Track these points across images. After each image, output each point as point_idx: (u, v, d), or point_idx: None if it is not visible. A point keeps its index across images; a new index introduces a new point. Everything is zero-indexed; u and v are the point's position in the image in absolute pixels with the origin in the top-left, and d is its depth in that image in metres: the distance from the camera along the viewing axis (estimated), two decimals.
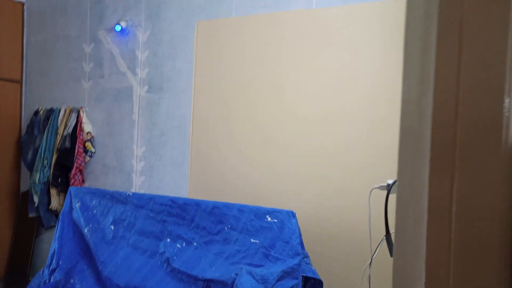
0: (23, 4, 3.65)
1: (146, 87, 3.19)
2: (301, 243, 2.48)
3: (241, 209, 2.61)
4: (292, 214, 2.50)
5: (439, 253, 0.53)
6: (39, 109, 3.57)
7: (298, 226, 2.51)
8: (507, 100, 0.49)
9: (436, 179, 0.52)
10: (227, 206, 2.64)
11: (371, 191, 1.43)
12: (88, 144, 3.38)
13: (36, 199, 3.44)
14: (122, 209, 2.87)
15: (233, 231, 2.60)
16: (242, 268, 2.34)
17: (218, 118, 2.90)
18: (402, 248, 0.61)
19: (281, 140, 2.72)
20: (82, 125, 3.38)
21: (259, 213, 2.57)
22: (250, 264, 2.45)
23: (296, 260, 2.38)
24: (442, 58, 0.52)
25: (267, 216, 2.56)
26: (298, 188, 2.67)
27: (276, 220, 2.53)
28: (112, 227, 2.86)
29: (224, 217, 2.63)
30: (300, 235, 2.49)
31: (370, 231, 1.36)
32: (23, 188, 3.73)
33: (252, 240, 2.53)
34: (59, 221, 2.88)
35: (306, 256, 2.49)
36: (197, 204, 2.70)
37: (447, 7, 0.51)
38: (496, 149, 0.50)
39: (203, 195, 2.92)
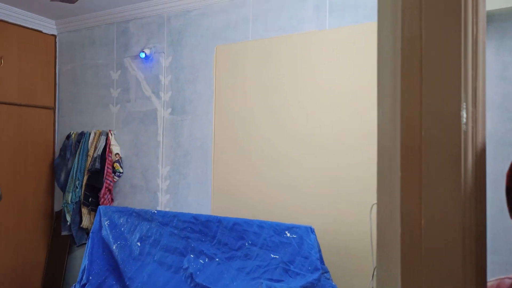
0: (55, 37, 3.93)
1: (170, 110, 3.36)
2: (321, 258, 2.52)
3: (261, 225, 2.69)
4: (310, 230, 2.56)
5: (412, 272, 0.61)
6: (71, 133, 3.80)
7: (317, 241, 2.55)
8: (463, 123, 0.57)
9: (406, 196, 0.60)
10: (248, 222, 2.72)
11: (371, 207, 1.48)
12: (116, 165, 3.56)
13: (68, 218, 3.62)
14: (148, 227, 3.00)
15: (253, 246, 2.68)
16: (262, 283, 2.41)
17: (237, 138, 3.02)
18: (383, 263, 0.68)
19: (297, 158, 2.80)
20: (110, 147, 3.56)
21: (279, 229, 2.64)
22: (270, 279, 2.51)
23: (315, 275, 2.43)
24: (406, 90, 0.61)
25: (287, 232, 2.62)
26: (316, 203, 2.73)
27: (295, 236, 2.59)
28: (139, 244, 2.99)
29: (245, 233, 2.71)
30: (320, 250, 2.54)
31: (371, 246, 1.41)
32: (57, 208, 3.93)
33: (272, 255, 2.59)
34: (89, 239, 3.03)
35: (326, 271, 2.53)
36: (219, 220, 2.79)
37: (409, 52, 0.61)
38: (455, 167, 0.58)
39: (225, 212, 3.02)
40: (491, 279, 0.80)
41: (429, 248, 0.59)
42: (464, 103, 0.58)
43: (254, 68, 2.97)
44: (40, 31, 3.79)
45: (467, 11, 0.56)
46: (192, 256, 2.82)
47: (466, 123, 0.57)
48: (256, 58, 2.96)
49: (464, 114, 0.58)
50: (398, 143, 0.62)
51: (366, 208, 2.52)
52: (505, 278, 0.77)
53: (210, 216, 2.86)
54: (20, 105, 3.61)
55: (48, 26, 3.84)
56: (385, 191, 0.70)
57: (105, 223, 3.08)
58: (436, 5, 0.60)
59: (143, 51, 3.41)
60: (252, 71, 2.97)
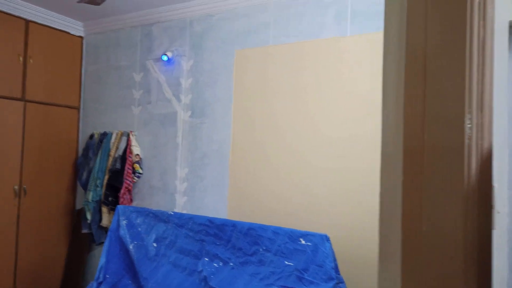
0: (82, 38, 4.04)
1: (189, 112, 3.39)
2: (336, 268, 2.47)
3: (276, 231, 2.66)
4: (325, 238, 2.51)
5: (414, 268, 0.58)
6: (94, 133, 3.89)
7: (332, 250, 2.50)
8: (468, 127, 0.54)
9: (407, 199, 0.58)
10: (262, 228, 2.70)
11: None
12: (136, 166, 3.61)
13: (89, 216, 3.69)
14: (164, 228, 3.03)
15: (268, 252, 2.65)
16: None
17: (255, 142, 3.01)
18: (385, 273, 0.65)
19: (314, 162, 2.76)
20: (131, 147, 3.62)
21: (293, 235, 2.61)
22: (284, 287, 2.48)
23: (330, 285, 2.38)
24: (410, 94, 0.59)
25: (301, 239, 2.58)
26: (332, 210, 2.69)
27: (310, 244, 2.55)
28: (155, 245, 3.01)
29: (259, 239, 2.69)
30: (335, 260, 2.49)
31: None
32: (78, 206, 4.02)
33: (286, 262, 2.56)
34: (107, 237, 3.08)
35: (341, 281, 2.47)
36: (233, 225, 2.78)
37: (413, 58, 0.58)
38: (458, 172, 0.55)
39: (241, 216, 3.01)
40: None
41: (430, 254, 0.56)
42: (469, 108, 0.55)
43: (273, 72, 2.96)
44: (68, 32, 3.91)
45: (473, 14, 0.53)
46: (206, 259, 2.83)
47: (471, 128, 0.54)
48: (276, 63, 2.95)
49: (468, 118, 0.55)
50: (400, 147, 0.60)
51: None
52: None
53: (225, 219, 2.86)
54: (46, 103, 3.72)
55: (75, 27, 3.95)
56: (387, 196, 0.68)
57: (123, 223, 3.12)
58: (441, 10, 0.57)
59: (165, 54, 3.46)
60: (272, 75, 2.97)
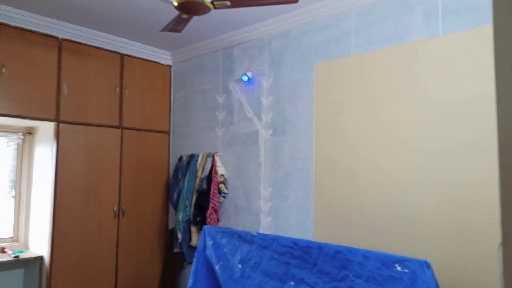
0: (170, 67, 4.30)
1: (271, 131, 3.34)
2: None
3: (366, 255, 2.43)
4: (426, 264, 2.21)
5: None
6: (182, 155, 4.05)
7: (435, 279, 2.19)
8: None
9: None
10: (351, 251, 2.49)
11: (498, 247, 1.16)
12: (221, 186, 3.66)
13: (179, 236, 3.82)
14: (248, 249, 2.97)
15: (358, 279, 2.42)
16: None
17: (341, 159, 2.83)
18: None
19: (408, 180, 2.49)
20: (216, 168, 3.69)
21: (387, 261, 2.35)
22: None
23: None
24: None
25: (396, 265, 2.31)
26: (431, 232, 2.37)
27: (407, 270, 2.27)
28: (240, 266, 2.97)
29: (348, 263, 2.47)
30: None
31: None
32: (170, 225, 4.20)
33: None
34: (195, 258, 3.13)
35: None
36: (319, 247, 2.61)
37: None
38: None
39: (328, 238, 2.83)
40: None
41: None
42: None
43: (356, 84, 2.78)
44: (158, 62, 4.18)
45: None
46: (292, 283, 2.69)
47: None
48: (358, 73, 2.77)
49: None
50: None
51: (494, 240, 2.09)
52: None
53: (310, 241, 2.70)
54: (140, 129, 3.99)
55: (164, 57, 4.22)
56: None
57: (209, 243, 3.15)
58: None
59: (245, 74, 3.49)
60: (355, 87, 2.78)
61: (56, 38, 3.42)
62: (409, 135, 2.50)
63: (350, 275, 2.44)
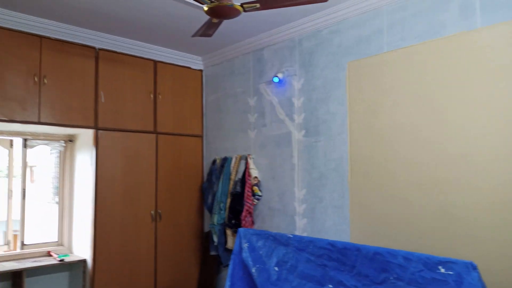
0: (202, 71, 4.35)
1: (303, 132, 3.31)
2: None
3: (407, 257, 2.35)
4: (471, 266, 2.11)
5: None
6: (216, 158, 4.09)
7: (482, 282, 2.09)
8: None
9: None
10: (390, 252, 2.42)
11: None
12: (255, 188, 3.66)
13: (215, 239, 3.85)
14: (284, 251, 2.95)
15: (399, 281, 2.35)
16: None
17: (378, 159, 2.76)
18: None
19: (450, 179, 2.40)
20: (249, 170, 3.69)
21: (430, 262, 2.26)
22: None
23: None
24: None
25: (440, 267, 2.23)
26: (476, 233, 2.27)
27: (451, 273, 2.18)
28: (276, 269, 2.95)
29: (388, 265, 2.41)
30: None
31: None
32: (206, 228, 4.24)
33: None
34: (231, 260, 3.14)
35: None
36: (357, 249, 2.56)
37: None
38: None
39: (366, 239, 2.77)
40: None
41: None
42: None
43: (390, 81, 2.71)
44: (189, 68, 4.25)
45: None
46: (330, 286, 2.65)
47: None
48: (392, 70, 2.70)
49: None
50: None
51: None
52: None
53: (347, 243, 2.65)
54: (174, 134, 4.07)
55: (195, 62, 4.28)
56: None
57: (245, 246, 3.15)
58: None
59: (276, 76, 3.48)
60: (389, 85, 2.72)
61: (93, 48, 3.55)
62: (452, 133, 2.41)
63: (391, 278, 2.37)
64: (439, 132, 2.46)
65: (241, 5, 2.18)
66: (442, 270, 2.21)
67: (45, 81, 3.25)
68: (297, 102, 3.38)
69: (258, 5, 2.20)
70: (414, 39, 2.63)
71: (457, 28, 2.43)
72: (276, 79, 3.48)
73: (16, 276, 3.32)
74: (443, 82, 2.45)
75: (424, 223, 2.51)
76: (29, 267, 3.27)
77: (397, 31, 2.72)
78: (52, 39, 3.32)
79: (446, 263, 2.20)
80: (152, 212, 3.84)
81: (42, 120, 3.23)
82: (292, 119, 3.41)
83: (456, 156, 2.38)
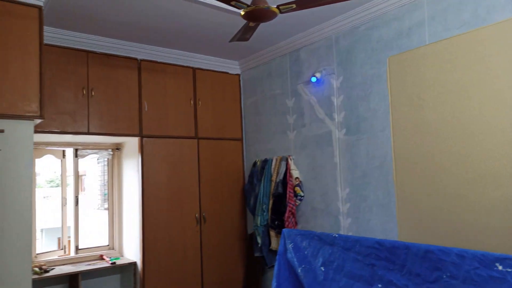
0: (239, 76, 4.41)
1: (344, 130, 3.28)
2: None
3: (461, 254, 2.26)
4: None
5: None
6: (256, 160, 4.13)
7: None
8: None
9: None
10: (443, 250, 2.34)
11: None
12: (297, 189, 3.65)
13: (259, 240, 3.88)
14: (330, 251, 2.92)
15: (453, 280, 2.27)
16: None
17: (425, 154, 2.69)
18: None
19: (505, 172, 2.28)
20: (290, 171, 3.70)
21: (485, 260, 2.17)
22: None
23: None
24: None
25: (497, 264, 2.13)
26: None
27: (510, 270, 2.08)
28: (323, 269, 2.93)
29: (441, 263, 2.33)
30: None
31: None
32: (249, 230, 4.28)
33: None
34: (276, 261, 3.15)
35: None
36: (407, 247, 2.49)
37: None
38: None
39: (414, 238, 2.70)
40: None
41: None
42: None
43: (434, 74, 2.63)
44: (227, 73, 4.32)
45: None
46: (380, 285, 2.60)
47: None
48: (435, 62, 2.62)
49: None
50: None
51: None
52: None
53: (395, 241, 2.59)
54: (214, 138, 4.14)
55: (233, 67, 4.35)
56: None
57: (289, 246, 3.15)
58: None
59: (314, 76, 3.47)
60: (432, 78, 2.63)
61: (136, 59, 3.69)
62: (504, 125, 2.30)
63: (444, 276, 2.29)
64: (484, 125, 2.35)
65: (277, 6, 2.19)
66: (500, 268, 2.11)
67: (93, 93, 3.42)
68: (337, 100, 3.35)
69: (294, 5, 2.20)
70: (458, 28, 2.54)
71: (506, 14, 2.32)
72: (314, 79, 3.47)
73: (72, 279, 3.50)
74: (492, 72, 2.35)
75: (478, 220, 2.40)
76: (84, 270, 3.45)
77: (440, 22, 2.64)
78: (97, 53, 3.49)
79: (504, 260, 2.10)
80: (197, 215, 3.92)
81: (91, 130, 3.40)
82: (332, 118, 3.38)
83: (504, 147, 2.27)
